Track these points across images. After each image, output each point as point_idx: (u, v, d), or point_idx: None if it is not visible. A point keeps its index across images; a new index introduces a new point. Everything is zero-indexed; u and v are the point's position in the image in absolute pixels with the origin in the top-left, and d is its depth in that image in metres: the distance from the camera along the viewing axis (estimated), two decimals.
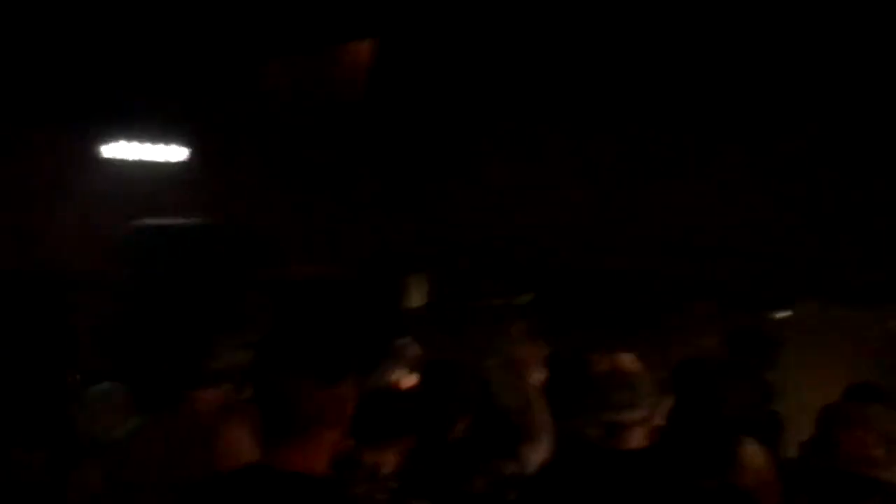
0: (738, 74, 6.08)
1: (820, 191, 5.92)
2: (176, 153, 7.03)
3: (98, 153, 6.80)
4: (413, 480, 3.88)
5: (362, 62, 6.96)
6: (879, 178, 5.75)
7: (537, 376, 5.06)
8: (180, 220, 6.98)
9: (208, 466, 4.08)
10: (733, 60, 6.12)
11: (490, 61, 6.78)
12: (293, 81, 7.16)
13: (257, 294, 7.01)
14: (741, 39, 6.08)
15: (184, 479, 4.04)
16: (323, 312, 7.21)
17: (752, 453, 5.58)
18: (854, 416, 3.60)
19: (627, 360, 6.94)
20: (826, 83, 5.90)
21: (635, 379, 4.20)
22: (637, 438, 4.22)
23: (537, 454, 4.57)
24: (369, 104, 6.96)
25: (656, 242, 6.36)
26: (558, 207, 6.59)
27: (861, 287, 6.25)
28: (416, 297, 8.22)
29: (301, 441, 2.55)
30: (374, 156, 6.95)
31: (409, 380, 5.37)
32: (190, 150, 7.01)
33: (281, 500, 2.51)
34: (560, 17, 6.33)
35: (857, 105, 5.86)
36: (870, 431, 3.42)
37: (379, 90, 7.04)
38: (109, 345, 6.46)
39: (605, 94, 6.47)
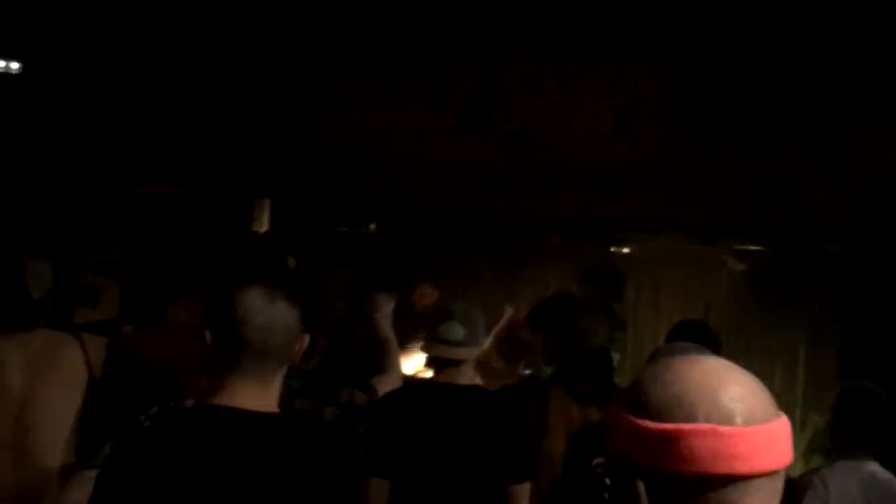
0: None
1: (670, 125, 6.03)
2: (22, 68, 6.77)
3: None
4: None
5: None
6: (730, 118, 5.89)
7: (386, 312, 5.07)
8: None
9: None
10: None
11: None
12: None
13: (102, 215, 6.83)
14: None
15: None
16: (171, 233, 7.06)
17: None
18: None
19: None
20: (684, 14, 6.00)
21: (464, 318, 4.33)
22: (466, 375, 4.36)
23: (387, 387, 4.66)
24: (228, 23, 6.78)
25: (508, 174, 6.40)
26: (411, 139, 6.56)
27: (709, 225, 6.42)
28: (262, 221, 8.14)
29: (267, 377, 2.57)
30: (231, 77, 6.78)
31: None
32: (39, 65, 6.74)
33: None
34: None
35: (708, 42, 5.98)
36: None
37: (235, 12, 6.87)
38: None
39: (459, 23, 6.45)
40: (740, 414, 1.48)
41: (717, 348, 4.51)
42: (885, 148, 5.57)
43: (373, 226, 9.02)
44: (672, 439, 1.48)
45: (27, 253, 4.24)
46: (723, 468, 1.46)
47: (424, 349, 4.39)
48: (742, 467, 1.46)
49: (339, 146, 6.64)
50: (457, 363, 4.29)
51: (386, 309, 4.97)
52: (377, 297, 5.06)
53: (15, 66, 6.88)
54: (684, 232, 7.23)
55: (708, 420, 1.47)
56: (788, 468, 1.51)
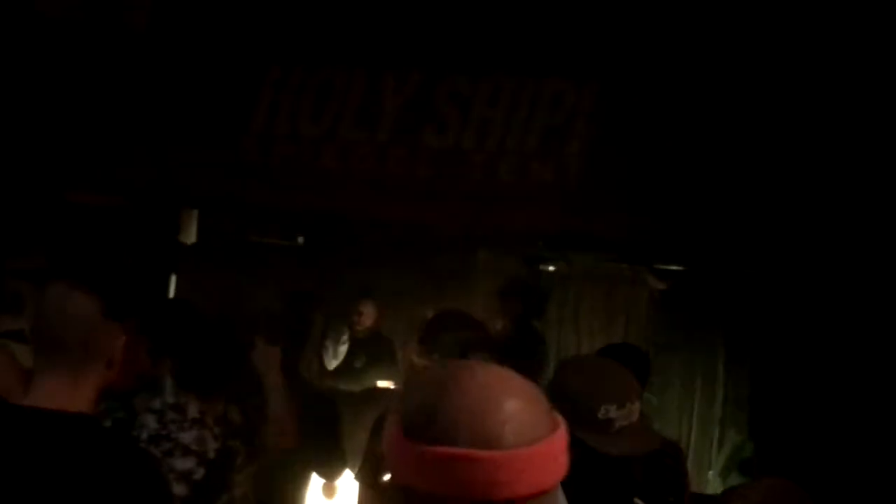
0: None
1: (595, 146, 6.12)
2: None
3: None
4: None
5: None
6: (654, 143, 6.00)
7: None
8: None
9: None
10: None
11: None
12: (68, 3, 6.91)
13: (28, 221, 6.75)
14: None
15: None
16: (99, 242, 6.99)
17: None
18: None
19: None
20: None
21: None
22: None
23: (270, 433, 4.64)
24: (155, 32, 6.78)
25: (436, 190, 6.47)
26: (342, 153, 6.60)
27: (629, 244, 6.54)
28: (189, 232, 8.09)
29: (72, 375, 2.47)
30: (159, 85, 6.77)
31: None
32: None
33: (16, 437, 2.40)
34: None
35: (638, 67, 6.10)
36: None
37: (163, 20, 6.87)
38: None
39: (391, 39, 6.52)
40: (506, 436, 1.43)
41: (644, 375, 4.55)
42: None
43: (300, 239, 9.00)
44: (430, 461, 1.43)
45: None
46: (480, 494, 1.41)
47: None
48: (500, 493, 1.42)
49: (268, 157, 6.66)
50: None
51: (264, 356, 4.80)
52: (257, 342, 4.85)
53: None
54: (606, 250, 7.34)
55: (471, 444, 1.42)
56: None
